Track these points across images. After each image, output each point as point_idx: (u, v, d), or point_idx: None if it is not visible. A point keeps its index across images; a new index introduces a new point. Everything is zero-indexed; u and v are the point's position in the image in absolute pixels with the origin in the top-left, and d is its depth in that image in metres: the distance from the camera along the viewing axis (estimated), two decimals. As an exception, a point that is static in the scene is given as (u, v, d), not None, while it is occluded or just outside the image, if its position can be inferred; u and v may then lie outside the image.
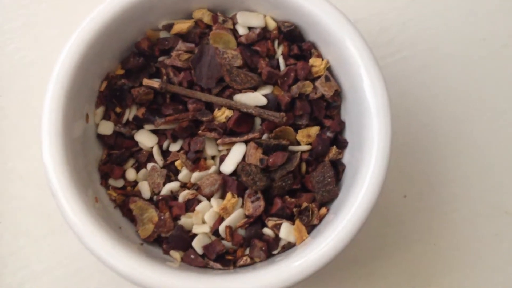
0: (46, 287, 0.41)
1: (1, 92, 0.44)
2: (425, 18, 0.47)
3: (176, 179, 0.36)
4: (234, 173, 0.35)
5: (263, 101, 0.35)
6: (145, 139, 0.36)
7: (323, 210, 0.35)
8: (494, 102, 0.45)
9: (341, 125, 0.37)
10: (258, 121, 0.36)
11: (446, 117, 0.45)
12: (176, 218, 0.35)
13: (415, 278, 0.42)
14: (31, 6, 0.46)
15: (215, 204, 0.34)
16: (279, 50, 0.37)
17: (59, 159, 0.32)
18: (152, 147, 0.36)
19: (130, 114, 0.36)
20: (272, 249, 0.34)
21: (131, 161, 0.37)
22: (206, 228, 0.34)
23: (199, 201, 0.35)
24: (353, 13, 0.35)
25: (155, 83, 0.35)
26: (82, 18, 0.34)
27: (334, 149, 0.36)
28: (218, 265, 0.34)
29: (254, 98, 0.35)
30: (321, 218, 0.35)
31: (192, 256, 0.34)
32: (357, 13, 0.46)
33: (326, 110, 0.37)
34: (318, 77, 0.36)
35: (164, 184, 0.35)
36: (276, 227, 0.34)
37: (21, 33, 0.45)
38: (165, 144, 0.36)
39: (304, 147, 0.36)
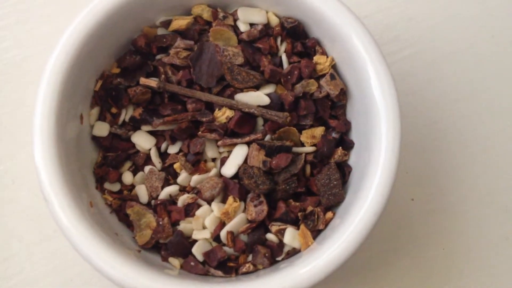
0: (40, 294, 0.40)
1: (-7, 92, 0.43)
2: (431, 14, 0.46)
3: (175, 183, 0.35)
4: (236, 176, 0.34)
5: (266, 100, 0.34)
6: (142, 140, 0.35)
7: (329, 214, 0.34)
8: (503, 100, 0.44)
9: (347, 125, 0.36)
10: (260, 121, 0.35)
11: (454, 116, 0.44)
12: (175, 223, 0.34)
13: (424, 283, 0.41)
14: (26, 2, 0.45)
15: (216, 208, 0.34)
16: (282, 47, 0.36)
17: (51, 161, 0.31)
18: (150, 149, 0.35)
19: (126, 114, 0.36)
20: (276, 255, 0.34)
21: (128, 164, 0.36)
22: (206, 234, 0.34)
23: (199, 206, 0.34)
24: (357, 10, 0.34)
25: (152, 82, 0.35)
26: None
27: (339, 151, 0.35)
28: (220, 273, 0.33)
29: (256, 98, 0.34)
30: (327, 223, 0.34)
31: (192, 263, 0.33)
32: (360, 10, 0.45)
33: (331, 110, 0.36)
34: (323, 75, 0.35)
35: (162, 187, 0.35)
36: (280, 233, 0.33)
37: (15, 30, 0.44)
38: (163, 146, 0.36)
39: (308, 149, 0.35)
